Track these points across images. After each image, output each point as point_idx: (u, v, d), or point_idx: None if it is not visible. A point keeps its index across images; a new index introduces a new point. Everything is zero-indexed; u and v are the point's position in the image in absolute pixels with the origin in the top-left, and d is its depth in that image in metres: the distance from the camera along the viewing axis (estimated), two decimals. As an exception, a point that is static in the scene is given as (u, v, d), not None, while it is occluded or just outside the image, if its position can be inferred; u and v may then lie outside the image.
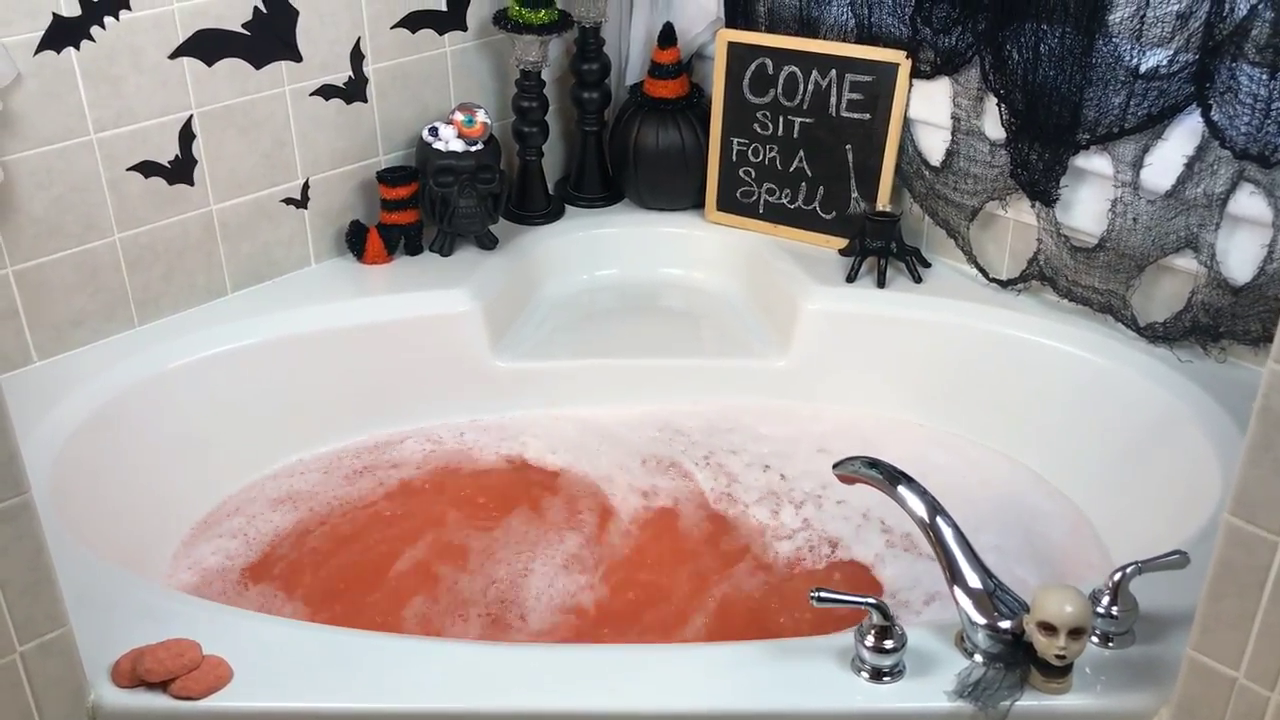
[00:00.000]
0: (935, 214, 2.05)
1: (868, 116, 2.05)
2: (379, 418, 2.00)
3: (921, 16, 1.93)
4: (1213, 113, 1.64)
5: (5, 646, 1.17)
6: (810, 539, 1.80)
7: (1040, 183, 1.85)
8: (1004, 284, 2.00)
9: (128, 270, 1.85)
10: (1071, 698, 1.26)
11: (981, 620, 1.28)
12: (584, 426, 2.02)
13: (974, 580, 1.30)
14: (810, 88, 2.08)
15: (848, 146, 2.08)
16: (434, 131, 2.07)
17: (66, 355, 1.82)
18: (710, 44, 2.21)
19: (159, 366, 1.83)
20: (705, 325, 2.17)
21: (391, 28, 2.03)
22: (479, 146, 2.07)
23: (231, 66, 1.86)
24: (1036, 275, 1.94)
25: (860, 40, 2.03)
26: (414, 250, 2.13)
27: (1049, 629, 1.21)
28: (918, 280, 2.04)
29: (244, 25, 1.85)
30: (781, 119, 2.13)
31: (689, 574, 1.75)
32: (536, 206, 2.27)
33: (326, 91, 1.99)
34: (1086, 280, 1.87)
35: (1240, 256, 1.71)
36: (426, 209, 2.10)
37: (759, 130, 2.15)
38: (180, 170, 1.86)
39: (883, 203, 2.07)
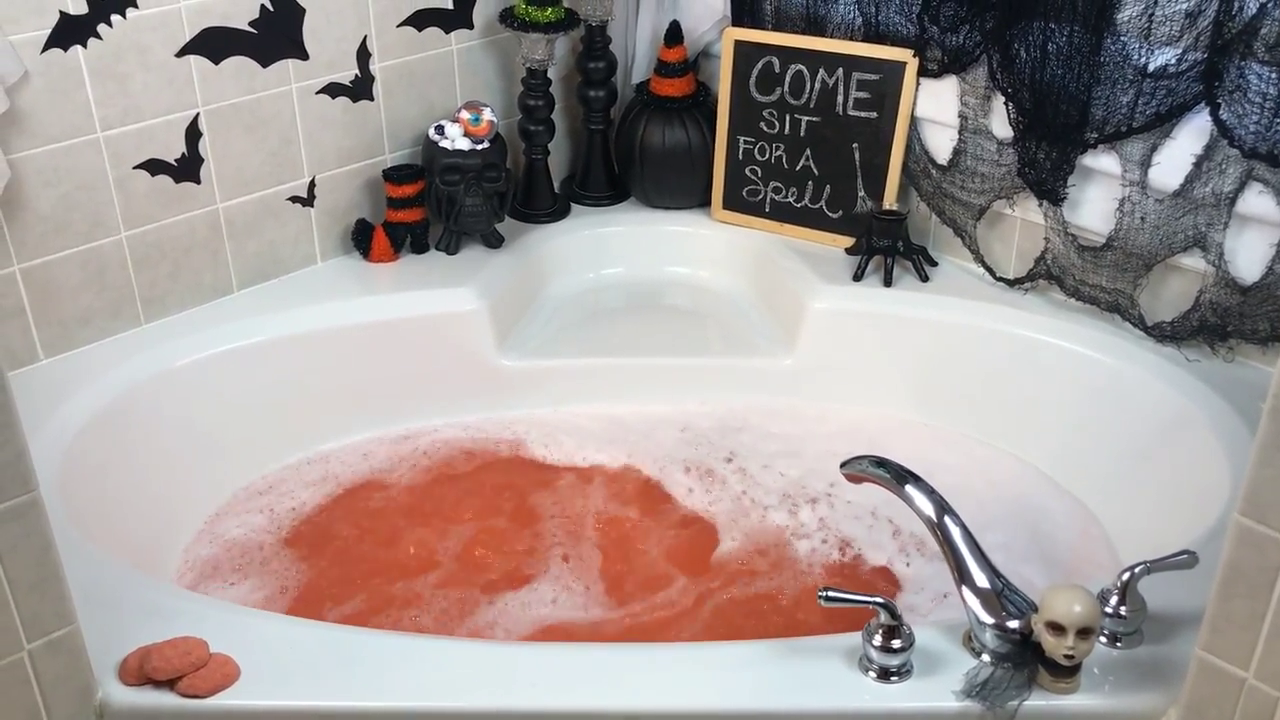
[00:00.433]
0: (942, 213, 2.04)
1: (874, 115, 2.05)
2: (384, 416, 2.00)
3: (929, 15, 1.92)
4: (1221, 112, 1.64)
5: (13, 644, 1.17)
6: (826, 538, 1.79)
7: (1048, 182, 1.84)
8: (1011, 283, 1.99)
9: (134, 268, 1.85)
10: (1079, 698, 1.25)
11: (989, 620, 1.27)
12: (590, 425, 2.02)
13: (982, 580, 1.30)
14: (817, 86, 2.08)
15: (854, 145, 2.08)
16: (440, 130, 2.07)
17: (73, 353, 1.82)
18: (717, 42, 2.21)
19: (165, 364, 1.83)
20: (711, 324, 2.17)
21: (398, 26, 2.03)
22: (485, 145, 2.07)
23: (238, 65, 1.86)
24: (1044, 274, 1.94)
25: (867, 39, 2.03)
26: (420, 249, 2.13)
27: (1057, 629, 1.21)
28: (924, 279, 2.03)
29: (251, 24, 1.85)
30: (788, 117, 2.12)
31: (698, 572, 1.75)
32: (542, 205, 2.27)
33: (333, 90, 1.99)
34: (1094, 279, 1.87)
35: (1248, 256, 1.70)
36: (432, 207, 2.10)
37: (765, 129, 2.15)
38: (187, 168, 1.86)
39: (889, 201, 2.07)
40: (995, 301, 1.97)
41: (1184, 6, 1.64)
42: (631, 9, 2.31)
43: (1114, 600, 1.31)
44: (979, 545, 1.33)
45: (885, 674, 1.27)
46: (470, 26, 2.13)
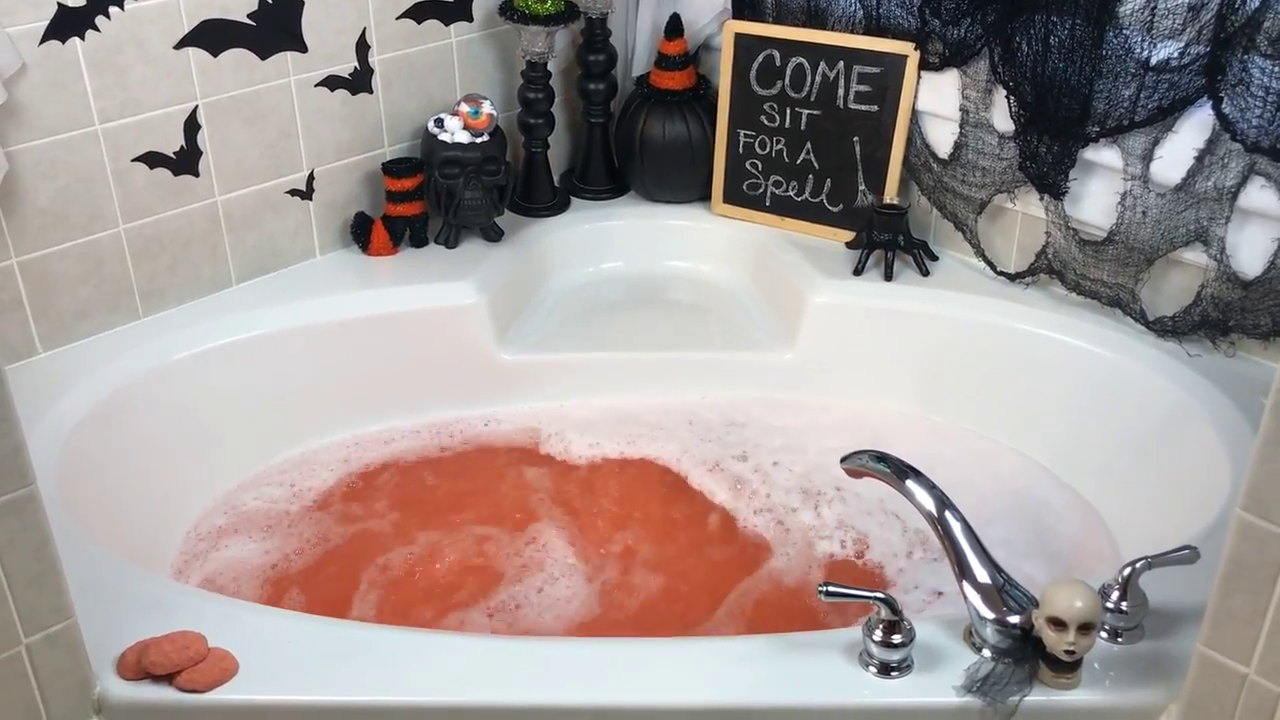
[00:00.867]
0: (943, 207, 2.04)
1: (875, 108, 2.04)
2: (383, 410, 1.99)
3: (930, 8, 1.92)
4: (1224, 105, 1.63)
5: (11, 638, 1.16)
6: (841, 535, 1.79)
7: (1049, 175, 1.84)
8: (1012, 277, 1.99)
9: (133, 261, 1.85)
10: (1080, 693, 1.25)
11: (990, 615, 1.27)
12: (589, 420, 2.01)
13: (983, 575, 1.29)
14: (818, 79, 2.07)
15: (855, 139, 2.07)
16: (439, 123, 2.06)
17: (71, 346, 1.82)
18: (717, 35, 2.20)
19: (164, 358, 1.82)
20: (712, 318, 2.17)
21: (397, 18, 2.02)
22: (484, 138, 2.06)
23: (237, 57, 1.85)
24: (1045, 268, 1.94)
25: (868, 31, 2.02)
26: (419, 242, 2.12)
27: (1058, 624, 1.21)
28: (925, 273, 2.03)
29: (249, 16, 1.85)
30: (789, 111, 2.12)
31: (709, 569, 1.75)
32: (542, 198, 2.26)
33: (332, 82, 1.98)
34: (1095, 274, 1.86)
35: (1250, 250, 1.70)
36: (432, 200, 2.09)
37: (766, 122, 2.15)
38: (185, 161, 1.85)
39: (890, 195, 2.06)
40: (996, 296, 1.97)
41: (1187, 0, 1.63)
42: (632, 2, 2.30)
43: (1115, 595, 1.30)
44: (980, 540, 1.33)
45: (886, 669, 1.27)
46: (470, 19, 2.12)
